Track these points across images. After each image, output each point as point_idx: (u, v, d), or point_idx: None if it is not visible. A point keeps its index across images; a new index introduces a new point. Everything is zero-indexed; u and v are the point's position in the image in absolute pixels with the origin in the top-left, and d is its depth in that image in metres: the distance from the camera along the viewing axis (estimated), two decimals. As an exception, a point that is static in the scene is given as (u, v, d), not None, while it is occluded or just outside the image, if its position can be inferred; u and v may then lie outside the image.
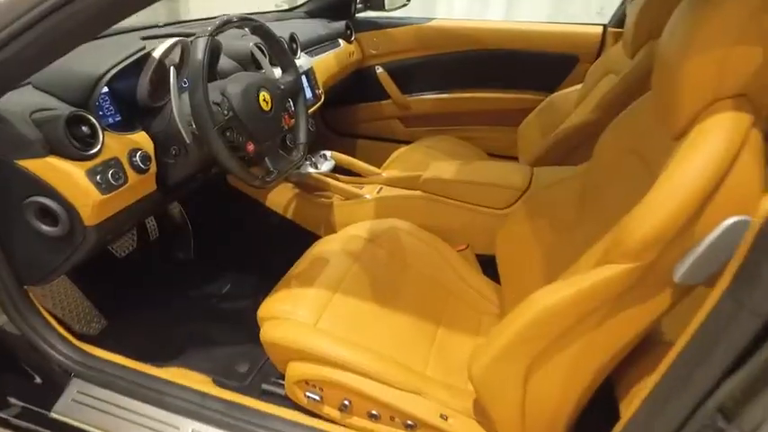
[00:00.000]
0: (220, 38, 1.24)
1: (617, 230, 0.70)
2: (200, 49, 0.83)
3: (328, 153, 1.54)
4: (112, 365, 1.03)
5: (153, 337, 1.30)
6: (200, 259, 1.57)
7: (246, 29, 0.98)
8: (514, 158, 1.99)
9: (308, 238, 1.47)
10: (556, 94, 1.76)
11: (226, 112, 0.89)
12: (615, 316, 0.73)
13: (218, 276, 1.52)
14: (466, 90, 1.99)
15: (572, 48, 1.81)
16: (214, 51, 1.18)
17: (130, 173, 0.90)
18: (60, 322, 1.16)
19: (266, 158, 1.00)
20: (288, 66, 1.09)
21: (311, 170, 1.44)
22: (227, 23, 0.89)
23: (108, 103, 1.00)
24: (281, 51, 1.07)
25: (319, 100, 1.52)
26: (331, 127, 2.32)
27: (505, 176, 1.29)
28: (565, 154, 1.46)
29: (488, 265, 1.28)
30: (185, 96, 0.86)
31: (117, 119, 1.01)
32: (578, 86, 1.70)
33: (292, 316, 1.01)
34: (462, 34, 1.90)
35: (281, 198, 1.48)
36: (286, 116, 1.07)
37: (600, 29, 1.79)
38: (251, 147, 0.95)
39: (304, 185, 1.48)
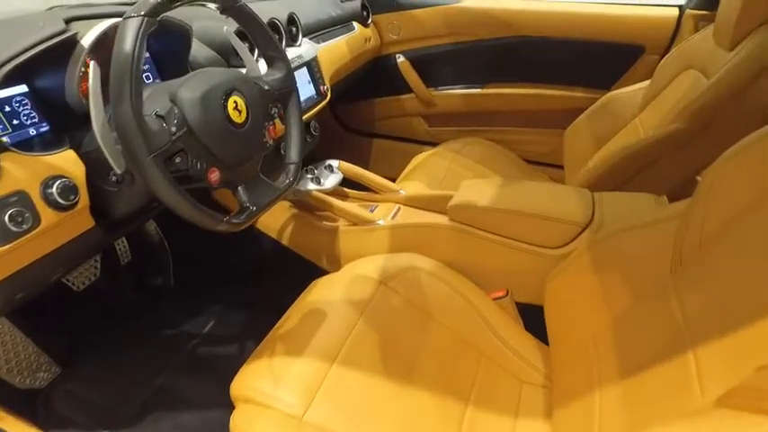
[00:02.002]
0: (195, 20, 0.97)
1: None
2: (128, 37, 0.55)
3: (335, 163, 1.26)
4: None
5: (112, 391, 1.05)
6: (179, 288, 1.32)
7: (212, 6, 0.70)
8: (557, 166, 1.69)
9: (307, 269, 1.21)
10: (614, 92, 1.43)
11: (174, 128, 0.61)
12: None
13: (200, 311, 1.26)
14: (502, 85, 1.68)
15: (636, 35, 1.48)
16: (182, 38, 0.90)
17: (44, 211, 0.64)
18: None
19: (239, 188, 0.73)
20: (275, 59, 0.81)
21: (312, 186, 1.16)
22: None
23: (28, 107, 0.73)
24: (266, 39, 0.79)
25: (325, 98, 1.23)
26: (343, 124, 2.04)
27: (560, 205, 0.99)
28: (633, 173, 1.15)
29: (532, 317, 1.00)
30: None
31: (43, 129, 0.75)
32: (643, 84, 1.38)
33: (273, 402, 0.75)
34: (499, 18, 1.58)
35: (274, 219, 1.21)
36: (271, 127, 0.79)
37: (674, 12, 1.45)
38: (215, 175, 0.68)
39: (303, 205, 1.20)
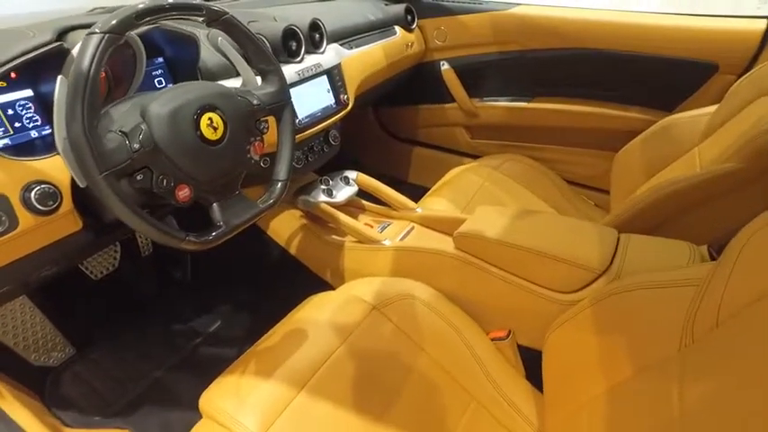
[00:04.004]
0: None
1: None
2: (86, 55, 0.54)
3: (353, 175, 1.23)
4: None
5: (114, 380, 1.10)
6: (194, 285, 1.35)
7: (198, 19, 0.68)
8: (603, 191, 1.54)
9: (314, 281, 1.19)
10: (675, 116, 1.27)
11: (137, 145, 0.60)
12: None
13: (209, 310, 1.29)
14: (551, 99, 1.55)
15: (708, 51, 1.29)
16: (192, 46, 0.91)
17: (23, 215, 0.66)
18: (8, 354, 1.00)
19: (214, 205, 0.72)
20: (267, 72, 0.79)
21: (322, 198, 1.13)
22: (146, 14, 0.59)
23: (32, 111, 0.77)
24: (257, 52, 0.76)
25: (345, 107, 1.20)
26: (386, 129, 2.00)
27: (576, 246, 0.89)
28: (677, 213, 1.00)
29: (534, 363, 0.91)
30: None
31: (45, 131, 0.78)
32: (710, 108, 1.20)
33: (231, 423, 0.74)
34: (552, 27, 1.45)
35: (284, 228, 1.20)
36: (257, 143, 0.77)
37: (759, 24, 1.24)
38: (184, 192, 0.67)
39: (313, 216, 1.18)
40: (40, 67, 0.72)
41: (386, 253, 1.07)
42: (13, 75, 0.73)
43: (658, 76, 1.36)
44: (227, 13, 0.70)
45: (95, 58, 0.55)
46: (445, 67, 1.67)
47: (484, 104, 1.67)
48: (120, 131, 0.61)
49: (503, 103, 1.63)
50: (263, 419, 0.73)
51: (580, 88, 1.49)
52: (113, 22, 0.56)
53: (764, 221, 0.56)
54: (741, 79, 1.17)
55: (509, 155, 1.56)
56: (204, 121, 0.66)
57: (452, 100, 1.72)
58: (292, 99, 1.02)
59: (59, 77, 0.58)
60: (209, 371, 0.87)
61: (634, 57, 1.37)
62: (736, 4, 1.47)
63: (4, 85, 0.72)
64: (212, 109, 0.68)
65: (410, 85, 1.74)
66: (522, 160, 1.54)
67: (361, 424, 0.78)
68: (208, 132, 0.67)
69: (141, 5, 0.61)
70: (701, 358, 0.56)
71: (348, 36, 1.33)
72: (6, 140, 0.74)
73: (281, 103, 0.79)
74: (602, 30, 1.38)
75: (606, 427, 0.65)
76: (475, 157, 1.72)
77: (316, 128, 1.10)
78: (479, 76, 1.64)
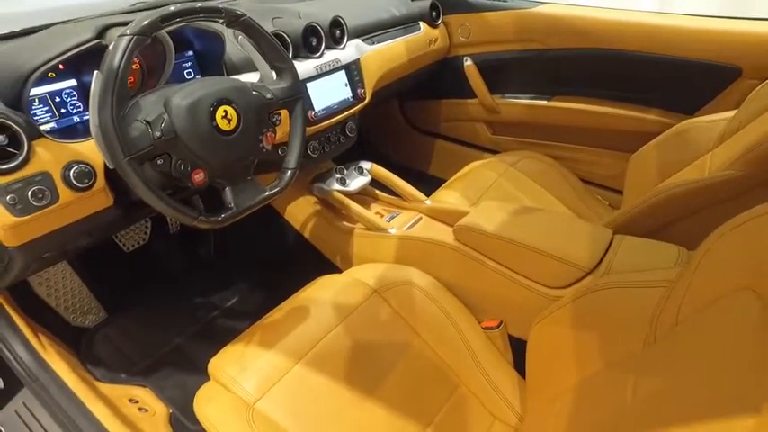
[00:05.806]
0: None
1: None
2: (117, 54, 0.63)
3: (367, 165, 1.29)
4: (61, 388, 0.94)
5: (138, 343, 1.22)
6: (217, 262, 1.46)
7: (219, 20, 0.76)
8: (619, 192, 1.54)
9: (324, 264, 1.26)
10: (692, 120, 1.26)
11: (158, 133, 0.68)
12: None
13: (227, 286, 1.39)
14: (571, 99, 1.55)
15: (731, 54, 1.27)
16: (219, 41, 0.99)
17: (63, 190, 0.76)
18: (51, 314, 1.12)
19: (227, 189, 0.79)
20: (282, 69, 0.85)
21: (336, 187, 1.20)
22: (170, 17, 0.67)
23: (75, 98, 0.87)
24: (273, 51, 0.83)
25: (361, 101, 1.25)
26: (410, 121, 2.05)
27: (569, 244, 0.92)
28: (677, 217, 1.01)
29: (523, 353, 0.95)
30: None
31: (86, 117, 0.89)
32: (730, 113, 1.19)
33: (232, 385, 0.82)
34: (575, 27, 1.46)
35: (299, 213, 1.27)
36: (269, 133, 0.84)
37: (787, 30, 1.22)
38: (200, 176, 0.75)
39: (327, 203, 1.25)
40: (83, 60, 0.81)
41: (391, 241, 1.13)
42: (61, 66, 0.83)
43: (680, 79, 1.35)
44: (245, 15, 0.77)
45: (124, 58, 0.63)
46: (468, 62, 1.69)
47: (505, 101, 1.69)
48: (144, 120, 0.69)
49: (523, 100, 1.65)
50: (261, 384, 0.82)
51: (600, 89, 1.49)
52: (143, 23, 0.64)
53: (729, 227, 0.59)
54: (762, 84, 1.15)
55: (526, 152, 1.58)
56: (219, 113, 0.74)
57: (474, 96, 1.74)
58: (310, 92, 1.11)
59: (95, 73, 0.66)
60: (223, 340, 0.96)
61: (656, 59, 1.36)
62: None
63: (54, 75, 0.82)
64: (227, 102, 0.75)
65: (434, 80, 1.78)
66: (539, 158, 1.55)
67: (351, 396, 0.85)
68: (222, 123, 0.74)
69: (172, 8, 0.69)
70: (657, 356, 0.60)
71: (371, 31, 1.38)
72: (53, 124, 0.84)
73: (292, 98, 0.86)
74: (626, 31, 1.37)
75: (569, 416, 0.69)
76: (495, 152, 1.75)
77: (331, 120, 1.16)
78: (501, 73, 1.66)
